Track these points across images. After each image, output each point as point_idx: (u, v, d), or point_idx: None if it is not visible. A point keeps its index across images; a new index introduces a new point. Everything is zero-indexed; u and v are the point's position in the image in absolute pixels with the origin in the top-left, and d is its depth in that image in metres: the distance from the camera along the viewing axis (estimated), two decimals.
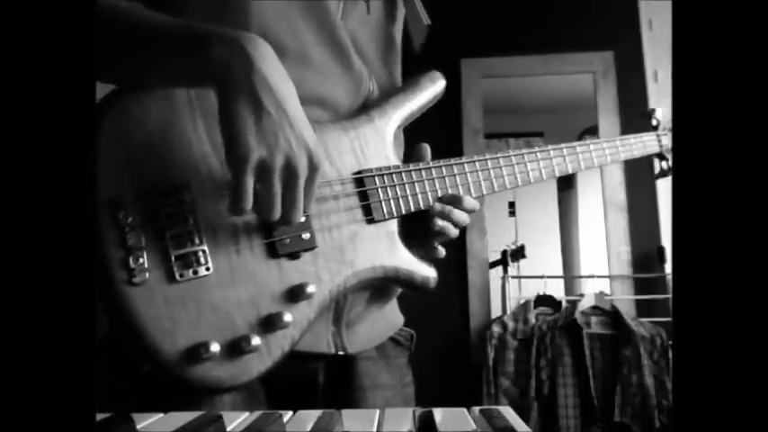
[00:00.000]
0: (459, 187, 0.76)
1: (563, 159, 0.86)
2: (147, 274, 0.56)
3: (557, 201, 4.22)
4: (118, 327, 0.57)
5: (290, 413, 0.47)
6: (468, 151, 2.67)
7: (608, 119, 2.86)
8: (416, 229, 0.74)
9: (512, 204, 4.04)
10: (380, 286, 0.77)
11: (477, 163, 0.78)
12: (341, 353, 0.73)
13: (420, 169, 0.74)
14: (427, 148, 0.78)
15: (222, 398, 0.64)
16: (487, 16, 2.73)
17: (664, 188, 2.66)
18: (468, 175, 0.78)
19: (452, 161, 0.77)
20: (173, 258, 0.58)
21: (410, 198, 0.72)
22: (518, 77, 3.01)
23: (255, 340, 0.58)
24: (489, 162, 0.79)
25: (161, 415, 0.46)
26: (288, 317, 0.60)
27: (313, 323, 0.64)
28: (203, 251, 0.59)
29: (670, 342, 2.29)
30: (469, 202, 0.75)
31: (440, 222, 0.72)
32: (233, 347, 0.58)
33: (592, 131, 3.12)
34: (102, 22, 0.60)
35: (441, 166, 0.76)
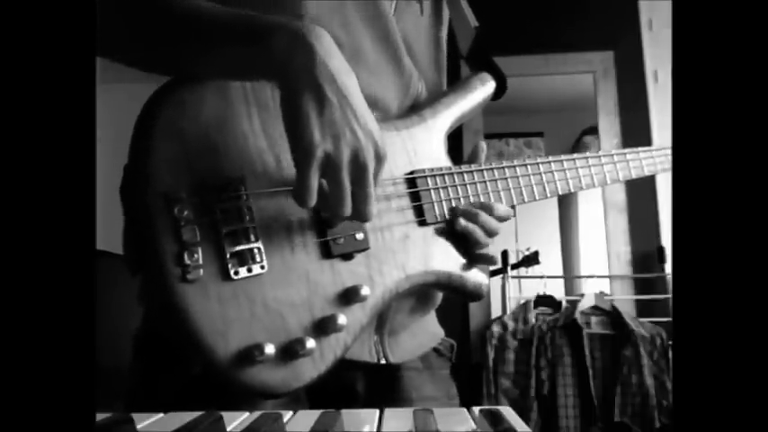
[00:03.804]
0: (512, 191, 0.74)
1: (614, 167, 0.83)
2: (202, 271, 0.54)
3: (557, 201, 4.22)
4: (169, 325, 0.55)
5: (290, 413, 0.47)
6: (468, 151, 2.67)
7: (608, 119, 2.86)
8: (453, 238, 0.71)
9: (512, 205, 4.03)
10: (424, 294, 0.76)
11: (529, 167, 0.76)
12: (383, 361, 0.71)
13: (472, 171, 0.73)
14: (483, 148, 0.76)
15: (266, 401, 0.62)
16: (487, 16, 2.73)
17: (664, 188, 2.66)
18: (521, 179, 0.75)
19: (505, 164, 0.75)
20: (228, 255, 0.55)
21: (462, 200, 0.71)
22: (518, 77, 3.00)
23: (310, 343, 0.55)
24: (541, 167, 0.77)
25: (161, 415, 0.46)
26: (342, 320, 0.57)
27: (365, 327, 0.61)
28: (258, 249, 0.57)
29: (670, 342, 2.29)
30: (501, 209, 0.71)
31: (463, 222, 0.68)
32: (287, 351, 0.55)
33: (592, 131, 3.12)
34: (161, 11, 0.59)
35: (493, 169, 0.74)
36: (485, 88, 0.78)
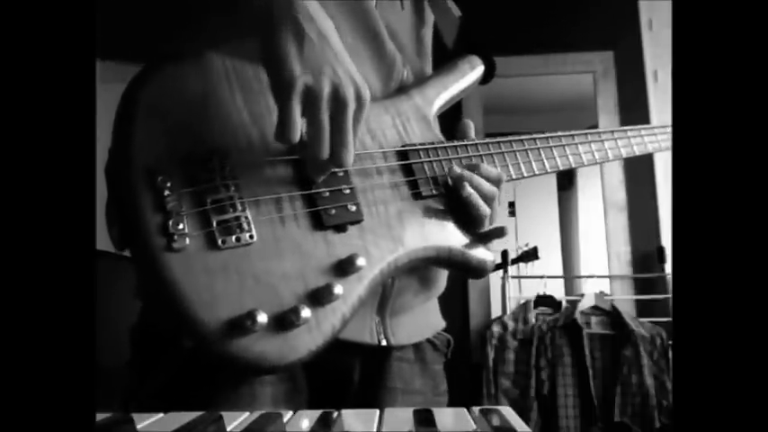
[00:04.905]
0: (510, 166, 0.73)
1: (615, 143, 0.82)
2: (188, 240, 0.53)
3: (557, 201, 4.22)
4: (155, 297, 0.54)
5: (290, 413, 0.47)
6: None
7: (608, 119, 2.86)
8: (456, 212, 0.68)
9: (512, 204, 4.05)
10: (427, 277, 0.75)
11: (525, 142, 0.75)
12: (383, 343, 0.70)
13: (466, 145, 0.71)
14: (471, 125, 0.74)
15: (264, 390, 0.62)
16: (487, 16, 2.73)
17: (664, 188, 2.66)
18: (518, 154, 0.74)
19: (499, 139, 0.73)
20: (214, 224, 0.54)
21: None
22: (518, 77, 3.01)
23: (305, 312, 0.53)
24: (538, 142, 0.76)
25: (161, 415, 0.46)
26: (338, 289, 0.55)
27: (364, 302, 0.59)
28: (246, 218, 0.55)
29: (670, 342, 2.30)
30: (487, 169, 0.69)
31: (469, 188, 0.66)
32: (281, 320, 0.53)
33: None
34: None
35: (487, 143, 0.73)
36: (474, 71, 0.78)
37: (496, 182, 0.69)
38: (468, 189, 0.66)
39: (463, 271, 0.69)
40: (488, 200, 0.68)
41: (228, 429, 0.42)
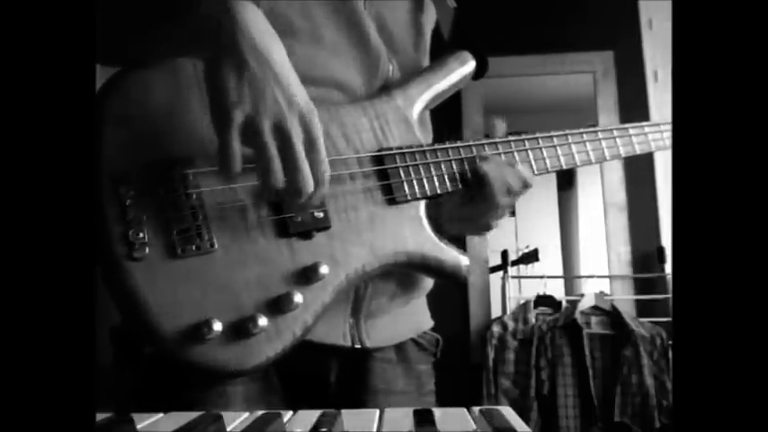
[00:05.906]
0: None
1: (614, 142, 0.81)
2: (148, 249, 0.54)
3: (557, 201, 4.22)
4: (118, 304, 0.55)
5: (290, 413, 0.47)
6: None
7: (608, 119, 2.86)
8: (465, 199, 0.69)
9: None
10: (407, 279, 0.74)
11: (512, 143, 0.73)
12: (357, 346, 0.69)
13: (447, 148, 0.70)
14: (501, 125, 0.74)
15: (236, 389, 0.62)
16: (487, 16, 2.73)
17: (664, 188, 2.66)
18: (503, 156, 0.72)
19: (484, 141, 0.72)
20: (174, 233, 0.56)
21: (436, 179, 0.68)
22: (517, 77, 3.01)
23: (262, 321, 0.55)
24: (527, 143, 0.74)
25: (161, 415, 0.46)
26: (298, 298, 0.57)
27: (329, 308, 0.60)
28: (207, 227, 0.57)
29: (670, 342, 2.30)
30: (523, 169, 0.69)
31: (485, 167, 0.66)
32: (238, 329, 0.55)
33: None
34: (104, 5, 0.60)
35: (471, 146, 0.71)
36: (463, 67, 0.76)
37: (524, 183, 0.70)
38: (485, 167, 0.67)
39: (438, 276, 0.69)
40: (511, 192, 0.69)
41: (228, 429, 0.42)
